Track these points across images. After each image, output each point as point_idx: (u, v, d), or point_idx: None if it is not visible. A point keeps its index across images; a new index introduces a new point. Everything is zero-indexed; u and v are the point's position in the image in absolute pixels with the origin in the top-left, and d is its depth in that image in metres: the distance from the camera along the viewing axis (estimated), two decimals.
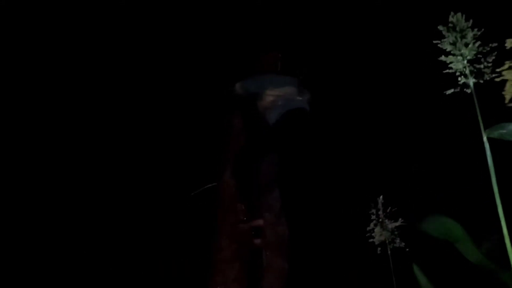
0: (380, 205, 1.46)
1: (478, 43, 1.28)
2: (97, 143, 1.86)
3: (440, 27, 1.30)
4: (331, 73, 1.67)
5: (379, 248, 1.41)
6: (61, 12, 2.01)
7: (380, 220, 1.45)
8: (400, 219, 1.44)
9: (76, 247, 1.80)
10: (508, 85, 1.25)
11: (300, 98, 1.67)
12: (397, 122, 1.48)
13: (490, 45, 1.27)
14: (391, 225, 1.44)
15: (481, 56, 1.28)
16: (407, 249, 1.40)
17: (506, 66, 1.26)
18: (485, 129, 1.27)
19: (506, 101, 1.26)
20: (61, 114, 1.94)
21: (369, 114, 1.54)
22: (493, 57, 1.27)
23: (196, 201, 1.73)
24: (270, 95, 1.73)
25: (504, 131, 1.26)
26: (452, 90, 1.31)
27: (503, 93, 1.27)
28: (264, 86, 1.74)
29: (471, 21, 1.29)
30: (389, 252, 1.41)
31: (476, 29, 1.28)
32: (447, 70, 1.30)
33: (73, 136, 1.92)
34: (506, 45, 1.26)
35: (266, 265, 1.61)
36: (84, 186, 1.82)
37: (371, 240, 1.45)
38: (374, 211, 1.47)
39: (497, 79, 1.27)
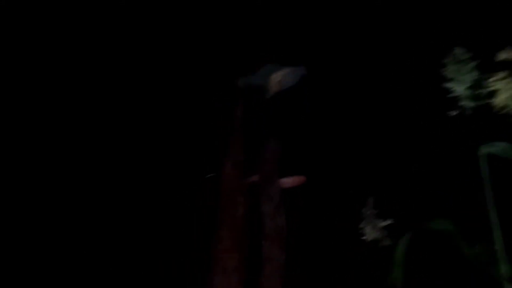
0: (370, 205, 1.60)
1: (476, 72, 1.49)
2: (96, 138, 1.86)
3: (445, 60, 1.51)
4: (330, 73, 1.79)
5: (373, 244, 1.54)
6: (60, 12, 2.02)
7: (371, 219, 1.59)
8: (390, 219, 1.57)
9: (75, 245, 1.80)
10: (499, 94, 1.43)
11: (300, 83, 1.78)
12: (397, 125, 1.62)
13: (486, 74, 1.48)
14: (381, 224, 1.58)
15: (478, 83, 1.49)
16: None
17: (498, 77, 1.44)
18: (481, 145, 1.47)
19: (497, 109, 1.44)
20: (61, 113, 1.95)
21: (368, 114, 1.68)
22: (488, 85, 1.47)
23: (196, 192, 1.80)
24: (272, 83, 1.84)
25: (496, 148, 1.47)
26: (455, 112, 1.51)
27: (494, 101, 1.45)
28: (266, 75, 1.85)
29: (471, 53, 1.50)
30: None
31: (474, 61, 1.49)
32: (450, 95, 1.51)
33: (70, 132, 1.93)
34: (498, 56, 1.45)
35: (265, 256, 1.69)
36: (83, 181, 1.83)
37: (363, 237, 1.59)
38: (365, 209, 1.61)
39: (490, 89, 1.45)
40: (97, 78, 1.93)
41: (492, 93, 1.48)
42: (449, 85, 1.51)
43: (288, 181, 1.75)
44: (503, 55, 1.45)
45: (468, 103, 1.50)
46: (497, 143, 1.48)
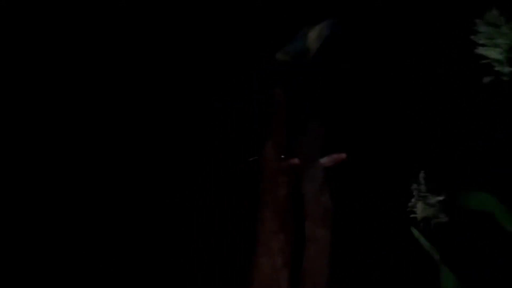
0: (422, 180, 1.52)
1: None
2: (117, 125, 1.88)
3: (477, 21, 1.44)
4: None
5: (421, 224, 1.49)
6: (56, 11, 2.00)
7: (423, 195, 1.50)
8: (443, 193, 1.48)
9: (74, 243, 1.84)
10: None
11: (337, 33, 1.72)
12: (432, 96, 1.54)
13: None
14: (434, 199, 1.49)
15: None
16: (451, 225, 1.46)
17: None
18: None
19: None
20: (62, 113, 1.93)
21: (403, 85, 1.60)
22: None
23: (240, 172, 1.81)
24: (311, 41, 1.80)
25: None
26: (489, 78, 1.44)
27: None
28: (302, 38, 1.82)
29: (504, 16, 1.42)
30: (432, 228, 1.47)
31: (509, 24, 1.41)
32: (484, 61, 1.44)
33: (73, 131, 1.92)
34: None
35: (309, 237, 1.66)
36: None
37: (412, 215, 1.52)
38: (416, 185, 1.52)
39: None
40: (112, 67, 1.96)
41: None
42: (481, 50, 1.44)
43: (328, 160, 1.74)
44: None
45: (504, 69, 1.42)
46: None
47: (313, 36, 1.86)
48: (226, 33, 1.93)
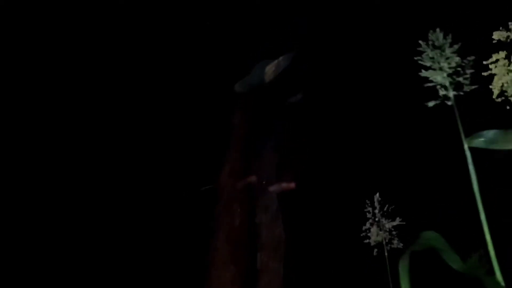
0: (377, 204, 1.49)
1: (457, 57, 1.35)
2: (92, 146, 1.90)
3: (421, 43, 1.40)
4: (325, 75, 1.73)
5: (375, 250, 1.45)
6: (52, 11, 2.00)
7: (377, 219, 1.47)
8: (398, 218, 1.45)
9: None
10: (495, 79, 1.29)
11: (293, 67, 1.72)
12: (389, 125, 1.53)
13: (468, 58, 1.34)
14: (388, 224, 1.46)
15: (459, 69, 1.35)
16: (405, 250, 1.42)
17: (493, 59, 1.30)
18: (465, 138, 1.33)
19: (494, 96, 1.30)
20: (60, 114, 2.00)
21: (361, 116, 1.60)
22: (471, 70, 1.33)
23: (194, 201, 1.79)
24: (268, 73, 1.80)
25: (483, 139, 1.32)
26: (434, 102, 1.39)
27: (491, 87, 1.31)
28: (260, 71, 1.82)
29: (449, 36, 1.37)
30: (386, 253, 1.44)
31: (454, 45, 1.36)
32: (428, 84, 1.39)
33: (70, 135, 1.95)
34: (493, 37, 1.31)
35: (262, 267, 1.63)
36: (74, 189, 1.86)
37: (367, 241, 1.48)
38: (370, 209, 1.49)
39: (485, 74, 1.32)
40: (94, 81, 1.98)
41: (476, 80, 1.34)
42: (426, 73, 1.39)
43: (278, 187, 1.71)
44: (498, 35, 1.32)
45: (448, 92, 1.37)
46: (483, 133, 1.33)
47: (270, 70, 1.85)
48: (183, 67, 1.93)
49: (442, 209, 1.41)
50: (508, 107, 1.20)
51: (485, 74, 1.24)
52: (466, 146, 1.33)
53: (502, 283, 1.25)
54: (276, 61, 1.85)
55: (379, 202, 1.47)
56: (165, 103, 1.94)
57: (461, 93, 1.36)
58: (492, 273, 1.28)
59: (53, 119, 1.98)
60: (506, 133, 1.27)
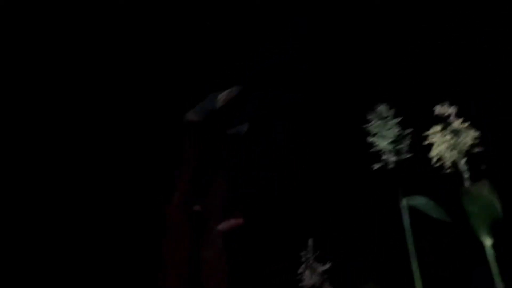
0: (310, 248, 1.60)
1: (398, 128, 1.57)
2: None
3: (369, 115, 1.61)
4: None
5: None
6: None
7: (310, 263, 1.58)
8: (328, 262, 1.56)
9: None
10: (434, 147, 1.50)
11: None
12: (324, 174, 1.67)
13: (407, 130, 1.57)
14: (320, 268, 1.57)
15: (400, 138, 1.57)
16: None
17: (432, 131, 1.51)
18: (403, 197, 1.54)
19: (433, 162, 1.50)
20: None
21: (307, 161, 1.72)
22: (409, 140, 1.55)
23: (142, 228, 1.82)
24: (219, 102, 1.91)
25: (417, 202, 1.54)
26: (378, 165, 1.59)
27: (430, 155, 1.51)
28: (211, 101, 1.93)
29: (392, 110, 1.60)
30: None
31: (395, 118, 1.58)
32: (373, 149, 1.59)
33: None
34: (434, 110, 1.52)
35: None
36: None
37: (301, 284, 1.58)
38: (304, 253, 1.60)
39: (426, 142, 1.52)
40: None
41: (411, 148, 1.56)
42: (373, 139, 1.59)
43: (226, 225, 1.79)
44: (438, 110, 1.53)
45: (390, 157, 1.58)
46: (418, 197, 1.54)
47: (221, 99, 1.98)
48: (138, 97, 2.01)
49: (377, 260, 1.57)
50: (444, 171, 1.41)
51: (425, 143, 1.46)
52: (403, 204, 1.54)
53: None
54: (226, 91, 1.98)
55: (313, 247, 1.60)
56: (117, 127, 1.98)
57: (400, 159, 1.57)
58: None
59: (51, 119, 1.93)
60: (435, 205, 1.49)
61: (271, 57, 1.89)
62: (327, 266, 1.56)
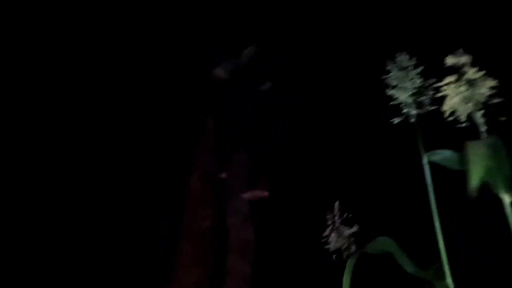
0: (336, 211, 1.57)
1: (420, 79, 1.46)
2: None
3: (388, 64, 1.51)
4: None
5: (334, 255, 1.54)
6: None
7: (336, 226, 1.56)
8: (355, 225, 1.53)
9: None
10: (447, 99, 1.39)
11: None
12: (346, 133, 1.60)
13: (429, 80, 1.45)
14: (347, 231, 1.55)
15: (422, 89, 1.46)
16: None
17: (446, 81, 1.40)
18: (425, 153, 1.45)
19: (446, 115, 1.40)
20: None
21: (326, 124, 1.66)
22: (432, 91, 1.44)
23: (161, 203, 1.85)
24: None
25: (440, 157, 1.44)
26: (398, 119, 1.51)
27: (443, 107, 1.41)
28: (238, 61, 1.88)
29: (414, 59, 1.48)
30: (344, 258, 1.52)
31: (418, 67, 1.47)
32: (393, 102, 1.50)
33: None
34: (446, 61, 1.40)
35: (229, 270, 1.68)
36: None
37: (327, 246, 1.57)
38: (330, 216, 1.58)
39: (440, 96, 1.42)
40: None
41: (436, 100, 1.45)
42: (392, 92, 1.50)
43: (251, 195, 1.79)
44: (451, 60, 1.41)
45: (411, 110, 1.48)
46: (440, 151, 1.44)
47: (247, 54, 1.93)
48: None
49: (400, 219, 1.51)
50: (457, 125, 1.31)
51: (439, 95, 1.35)
52: (425, 160, 1.45)
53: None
54: (249, 48, 1.93)
55: (339, 210, 1.57)
56: (133, 102, 2.02)
57: (423, 112, 1.47)
58: (443, 278, 1.39)
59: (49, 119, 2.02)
60: (460, 155, 1.38)
61: (271, 57, 1.81)
62: (354, 229, 1.53)
